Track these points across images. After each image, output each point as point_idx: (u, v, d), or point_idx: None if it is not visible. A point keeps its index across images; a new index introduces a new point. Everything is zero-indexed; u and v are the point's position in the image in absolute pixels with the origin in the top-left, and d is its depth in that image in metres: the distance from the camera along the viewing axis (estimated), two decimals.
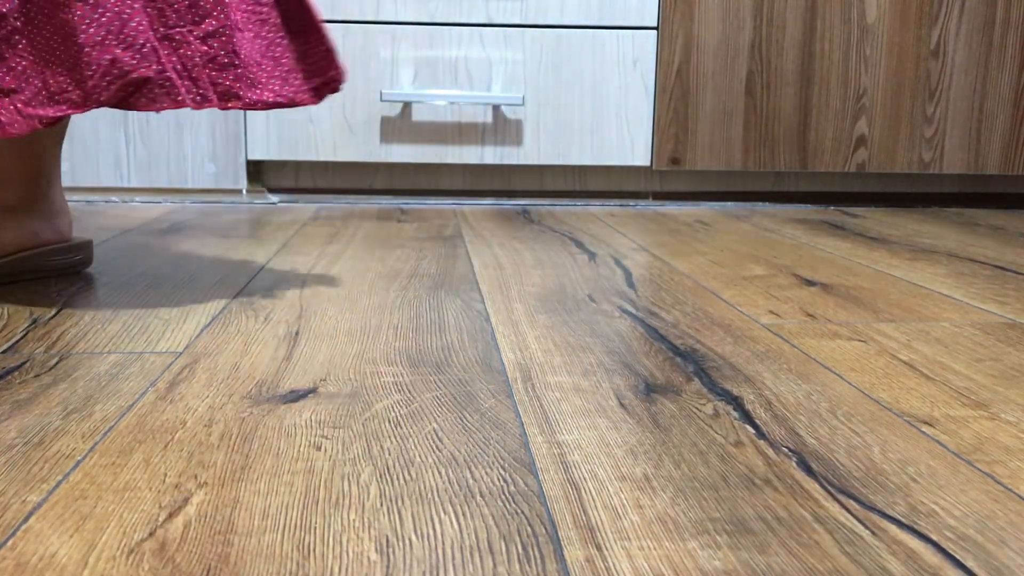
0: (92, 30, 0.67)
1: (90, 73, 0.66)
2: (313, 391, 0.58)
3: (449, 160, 1.56)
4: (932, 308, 0.84)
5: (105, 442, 0.49)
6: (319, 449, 0.49)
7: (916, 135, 1.61)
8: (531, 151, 1.57)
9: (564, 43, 1.54)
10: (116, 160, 1.55)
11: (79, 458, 0.47)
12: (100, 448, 0.48)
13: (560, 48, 1.54)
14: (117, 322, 0.74)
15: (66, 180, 1.54)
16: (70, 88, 0.68)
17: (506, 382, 0.60)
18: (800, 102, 1.58)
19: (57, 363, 0.63)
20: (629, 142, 1.58)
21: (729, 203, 1.65)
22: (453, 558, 0.38)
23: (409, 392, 0.58)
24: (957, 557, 0.38)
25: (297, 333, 0.72)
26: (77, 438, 0.49)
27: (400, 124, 1.54)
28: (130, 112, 1.53)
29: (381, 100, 1.50)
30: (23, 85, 0.68)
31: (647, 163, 1.58)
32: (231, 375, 0.61)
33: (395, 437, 0.50)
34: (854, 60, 1.58)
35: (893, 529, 0.41)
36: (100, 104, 0.67)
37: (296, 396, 0.57)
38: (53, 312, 0.77)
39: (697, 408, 0.56)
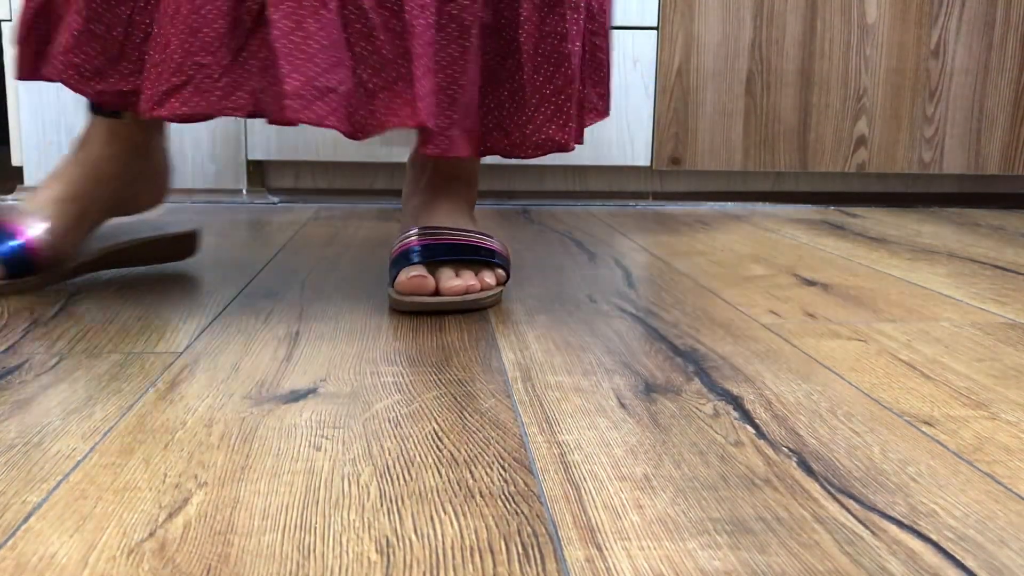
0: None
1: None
2: (313, 391, 0.58)
3: None
4: (932, 308, 0.84)
5: (105, 442, 0.49)
6: (319, 449, 0.49)
7: (916, 135, 1.61)
8: None
9: None
10: None
11: (79, 458, 0.47)
12: (100, 448, 0.48)
13: None
14: (117, 322, 0.74)
15: None
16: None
17: (506, 382, 0.60)
18: (800, 102, 1.58)
19: (57, 363, 0.63)
20: (629, 142, 1.58)
21: (729, 203, 1.65)
22: (453, 558, 0.38)
23: (409, 392, 0.58)
24: (957, 557, 0.38)
25: (297, 333, 0.72)
26: (77, 438, 0.49)
27: None
28: None
29: None
30: None
31: (647, 163, 1.58)
32: (231, 375, 0.61)
33: (395, 437, 0.50)
34: (854, 60, 1.58)
35: (893, 529, 0.41)
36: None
37: (296, 396, 0.57)
38: (53, 312, 0.77)
39: (697, 408, 0.56)
